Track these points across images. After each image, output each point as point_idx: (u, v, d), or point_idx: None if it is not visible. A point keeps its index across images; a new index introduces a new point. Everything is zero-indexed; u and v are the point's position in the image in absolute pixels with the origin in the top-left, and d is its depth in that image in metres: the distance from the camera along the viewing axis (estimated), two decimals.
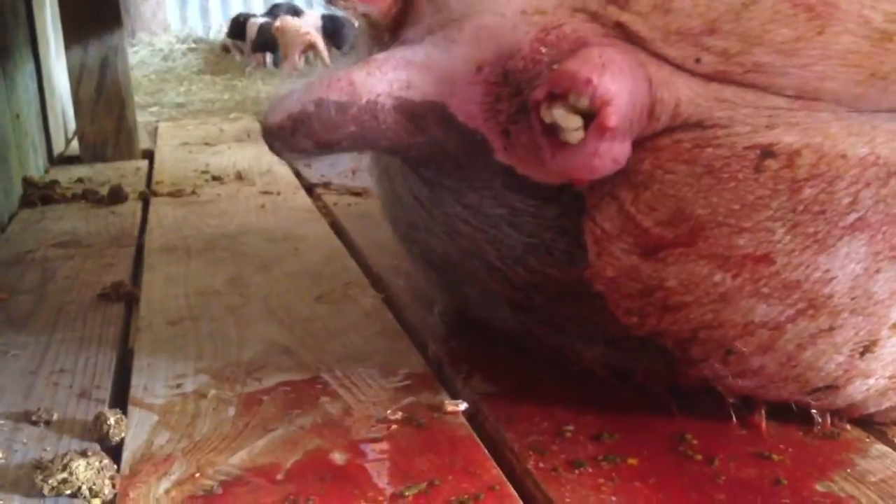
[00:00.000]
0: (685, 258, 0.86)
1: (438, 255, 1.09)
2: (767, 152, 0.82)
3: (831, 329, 0.86)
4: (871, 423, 0.96)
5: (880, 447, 0.92)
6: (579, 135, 0.82)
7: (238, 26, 6.83)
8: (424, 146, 0.94)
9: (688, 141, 0.84)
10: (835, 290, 0.84)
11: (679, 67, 0.84)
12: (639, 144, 0.85)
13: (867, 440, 0.94)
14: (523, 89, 0.88)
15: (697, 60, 0.83)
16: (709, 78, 0.84)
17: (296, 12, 6.84)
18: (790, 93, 0.82)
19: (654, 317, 0.90)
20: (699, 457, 0.91)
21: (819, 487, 0.85)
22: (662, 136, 0.85)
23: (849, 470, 0.88)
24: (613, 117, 0.80)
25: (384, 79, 0.90)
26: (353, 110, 0.89)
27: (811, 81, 0.82)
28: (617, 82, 0.80)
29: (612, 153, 0.83)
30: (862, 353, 0.87)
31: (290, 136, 0.91)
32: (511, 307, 1.05)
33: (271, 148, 0.95)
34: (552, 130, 0.84)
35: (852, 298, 0.84)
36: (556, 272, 0.95)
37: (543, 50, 0.87)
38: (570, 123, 0.82)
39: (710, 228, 0.85)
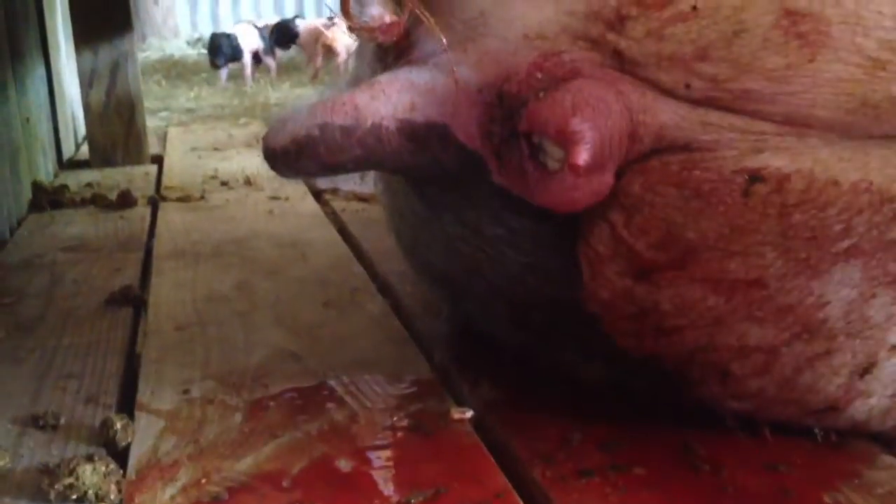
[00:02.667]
0: (678, 282, 0.86)
1: (440, 271, 1.09)
2: (756, 177, 0.81)
3: (828, 352, 0.85)
4: (878, 435, 0.96)
5: (888, 458, 0.92)
6: (560, 164, 0.83)
7: (230, 42, 6.32)
8: (427, 166, 0.94)
9: (676, 163, 0.84)
10: (829, 315, 0.83)
11: (669, 92, 0.84)
12: (628, 167, 0.85)
13: (875, 451, 0.93)
14: (515, 113, 0.88)
15: (687, 86, 0.83)
16: (697, 103, 0.83)
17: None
18: (779, 119, 0.82)
19: (651, 339, 0.90)
20: (707, 467, 0.91)
21: (826, 498, 0.85)
22: (651, 158, 0.85)
23: (856, 481, 0.88)
24: (584, 155, 0.81)
25: (388, 102, 0.90)
26: (358, 134, 0.89)
27: (801, 109, 0.81)
28: (587, 121, 0.81)
29: (592, 187, 0.84)
30: (861, 375, 0.86)
31: (294, 159, 0.91)
32: (511, 325, 1.05)
33: (274, 169, 0.94)
34: (539, 153, 0.84)
35: (848, 323, 0.83)
36: (554, 293, 0.95)
37: (539, 76, 0.87)
38: (555, 153, 0.83)
39: (701, 252, 0.84)
